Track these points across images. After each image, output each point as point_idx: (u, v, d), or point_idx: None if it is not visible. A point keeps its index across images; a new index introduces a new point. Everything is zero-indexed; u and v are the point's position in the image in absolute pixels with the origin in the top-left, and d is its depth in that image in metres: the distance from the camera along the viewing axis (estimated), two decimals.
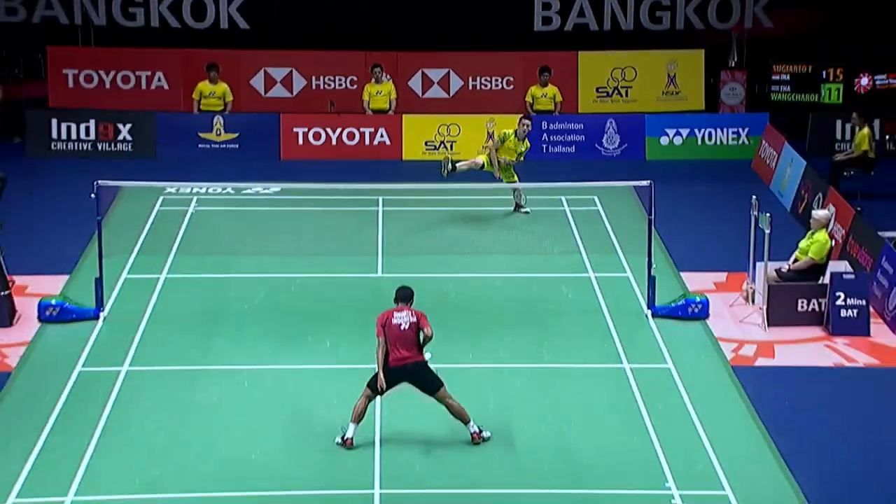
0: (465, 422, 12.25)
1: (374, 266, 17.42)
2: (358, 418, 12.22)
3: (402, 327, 12.04)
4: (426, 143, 23.35)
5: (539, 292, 16.52)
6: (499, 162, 18.92)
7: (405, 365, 12.04)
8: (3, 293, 15.20)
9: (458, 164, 19.08)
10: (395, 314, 12.12)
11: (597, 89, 24.76)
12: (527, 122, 19.16)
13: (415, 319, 12.11)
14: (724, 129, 23.52)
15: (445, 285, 16.63)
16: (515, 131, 19.00)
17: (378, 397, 12.28)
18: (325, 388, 13.56)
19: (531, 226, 19.10)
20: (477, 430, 12.26)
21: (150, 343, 14.77)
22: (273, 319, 15.49)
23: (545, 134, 23.39)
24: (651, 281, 15.66)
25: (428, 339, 12.20)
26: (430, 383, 12.14)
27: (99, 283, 15.31)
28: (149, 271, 16.87)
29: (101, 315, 15.32)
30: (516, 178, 19.11)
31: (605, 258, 17.69)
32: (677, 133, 23.42)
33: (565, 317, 15.70)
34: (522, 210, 19.29)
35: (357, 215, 19.45)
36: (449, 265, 17.39)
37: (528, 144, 19.24)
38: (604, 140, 23.42)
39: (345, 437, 12.17)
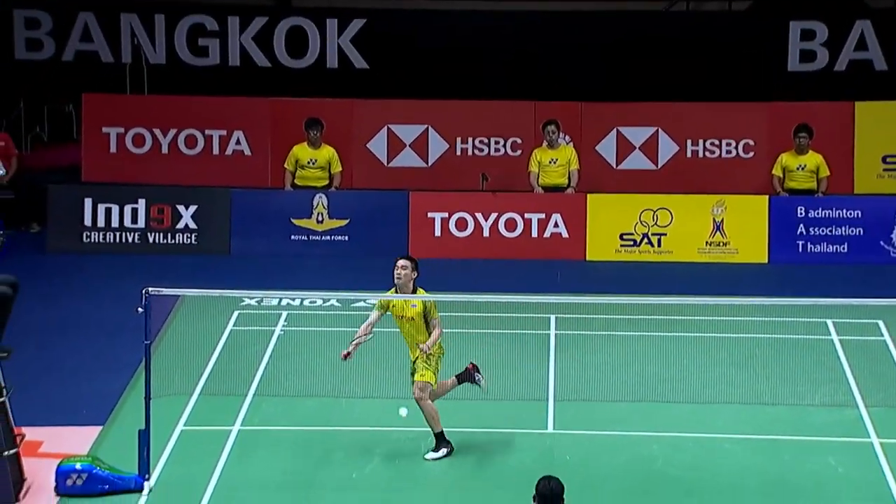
0: None
1: (542, 418, 17.33)
2: None
3: None
4: (622, 237, 23.28)
5: (793, 464, 16.17)
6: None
7: None
8: (6, 453, 15.43)
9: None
10: None
11: (884, 159, 24.43)
12: (402, 263, 16.61)
13: None
14: None
15: (648, 448, 16.45)
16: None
17: None
18: None
19: (779, 363, 18.83)
20: None
21: None
22: (394, 496, 15.43)
23: (802, 225, 23.14)
24: None
25: None
26: None
27: (145, 437, 15.46)
28: (216, 421, 17.01)
29: (147, 485, 15.44)
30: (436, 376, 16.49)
31: None
32: None
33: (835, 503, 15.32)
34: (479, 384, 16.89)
35: (519, 342, 19.42)
36: (653, 419, 17.22)
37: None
38: (894, 235, 23.04)
39: None
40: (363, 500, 15.37)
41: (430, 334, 16.20)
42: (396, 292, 16.47)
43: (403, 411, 15.43)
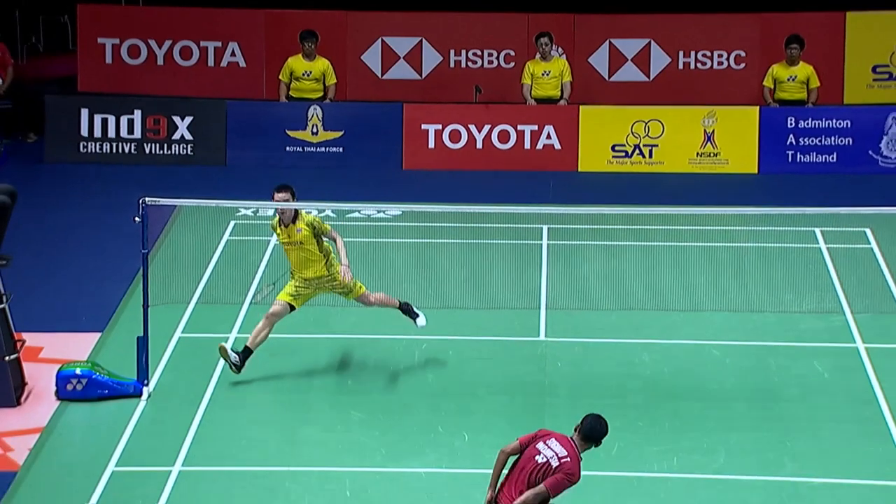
0: None
1: (534, 326, 17.43)
2: None
3: (538, 458, 11.81)
4: (614, 149, 23.31)
5: (780, 370, 16.30)
6: (303, 278, 16.01)
7: None
8: (7, 358, 15.58)
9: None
10: (551, 442, 11.82)
11: (874, 69, 24.39)
12: (280, 195, 15.90)
13: (557, 465, 11.76)
14: None
15: (638, 355, 16.60)
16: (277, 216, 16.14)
17: None
18: (461, 502, 13.56)
19: (767, 271, 18.90)
20: None
21: (213, 431, 14.97)
22: (387, 400, 15.60)
23: (792, 135, 23.14)
24: None
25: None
26: None
27: (143, 344, 15.61)
28: (213, 329, 17.13)
29: (145, 391, 15.61)
30: (359, 285, 16.30)
31: (881, 321, 17.42)
32: None
33: (820, 409, 15.46)
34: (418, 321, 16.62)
35: (512, 252, 19.51)
36: (642, 327, 17.34)
37: (313, 222, 15.98)
38: (882, 145, 23.05)
39: None
40: (358, 403, 15.52)
41: (323, 252, 15.92)
42: (280, 223, 15.97)
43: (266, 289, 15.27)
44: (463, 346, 16.85)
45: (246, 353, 15.76)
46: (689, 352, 16.78)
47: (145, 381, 15.65)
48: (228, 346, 15.89)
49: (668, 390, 15.85)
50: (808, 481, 14.06)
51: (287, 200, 15.84)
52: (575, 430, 11.81)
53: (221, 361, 16.07)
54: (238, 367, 15.70)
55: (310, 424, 15.13)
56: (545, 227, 20.16)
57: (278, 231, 16.01)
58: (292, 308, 15.88)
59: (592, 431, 11.78)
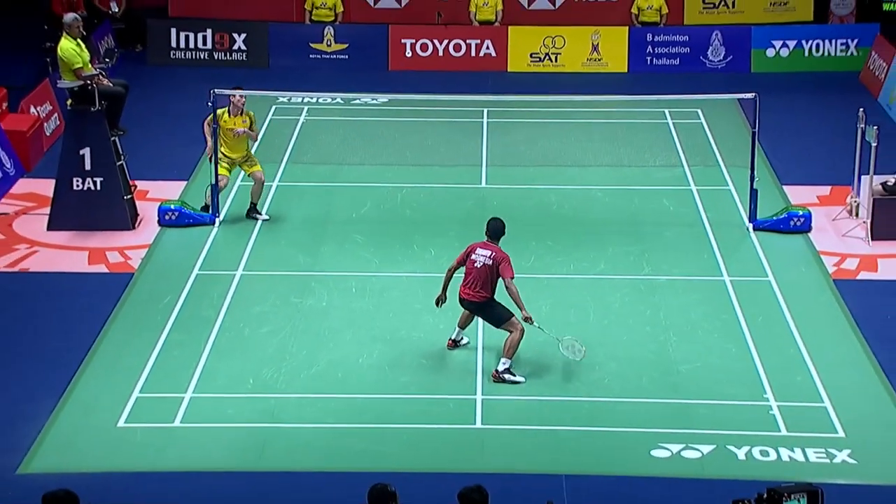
0: (503, 355, 11.71)
1: (478, 177, 17.30)
2: (463, 324, 12.26)
3: (476, 264, 11.84)
4: (531, 56, 22.96)
5: (640, 205, 16.28)
6: (228, 157, 15.30)
7: (470, 301, 11.86)
8: (126, 197, 15.43)
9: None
10: (479, 250, 11.83)
11: (703, 0, 24.00)
12: (238, 93, 15.18)
13: (491, 263, 11.77)
14: (833, 41, 22.69)
15: (548, 197, 16.51)
16: (227, 108, 15.27)
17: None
18: (430, 296, 13.53)
19: (633, 138, 18.76)
20: (503, 370, 11.67)
21: (262, 249, 14.92)
22: (379, 228, 15.52)
23: (650, 46, 22.85)
24: (753, 194, 15.30)
25: (511, 294, 11.53)
26: (492, 318, 11.84)
27: (214, 189, 15.45)
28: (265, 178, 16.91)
29: (217, 220, 15.49)
30: (258, 166, 15.54)
31: (707, 171, 17.38)
32: (784, 45, 22.66)
33: (666, 229, 15.46)
34: (260, 217, 15.47)
35: (462, 127, 19.29)
36: (551, 177, 17.23)
37: (251, 116, 15.30)
38: (709, 52, 22.78)
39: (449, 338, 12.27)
40: (360, 230, 15.40)
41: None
42: (228, 114, 15.18)
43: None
44: (429, 191, 16.74)
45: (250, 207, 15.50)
46: (581, 194, 16.73)
47: (217, 214, 15.52)
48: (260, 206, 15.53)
49: (567, 220, 15.85)
50: (658, 278, 14.14)
51: (245, 96, 15.24)
52: (486, 234, 11.86)
53: (268, 201, 15.93)
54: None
55: (327, 244, 15.08)
56: (485, 110, 19.92)
57: (227, 119, 15.22)
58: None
59: (496, 230, 11.86)
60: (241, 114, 15.46)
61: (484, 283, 11.75)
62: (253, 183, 15.69)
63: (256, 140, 15.98)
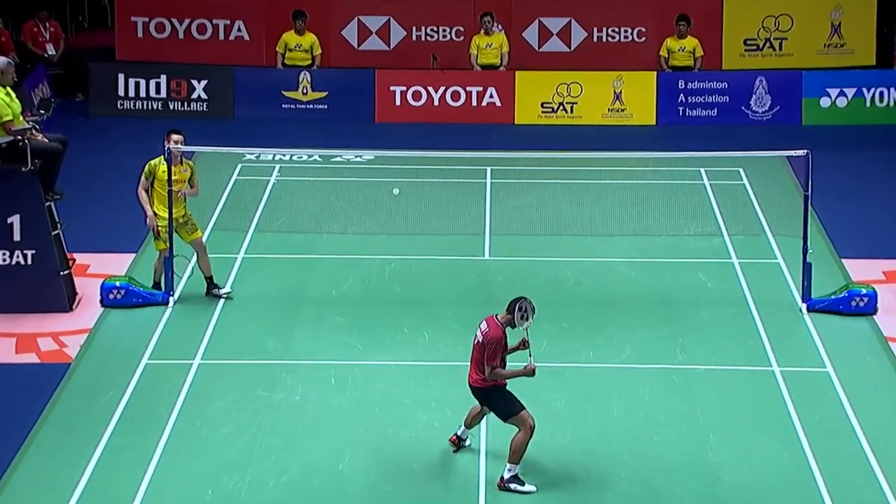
0: (508, 460, 11.66)
1: (480, 248, 17.37)
2: (469, 423, 12.21)
3: (474, 343, 11.89)
4: (543, 106, 23.20)
5: (672, 280, 16.32)
6: (162, 217, 15.27)
7: (469, 386, 11.88)
8: (62, 273, 15.46)
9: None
10: (482, 324, 11.91)
11: (745, 41, 24.37)
12: (176, 137, 15.17)
13: (481, 339, 11.79)
14: None
15: (562, 271, 16.55)
16: (164, 156, 15.19)
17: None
18: (423, 389, 13.51)
19: (663, 202, 18.89)
20: (508, 477, 11.60)
21: (224, 333, 14.90)
22: (364, 308, 15.52)
23: (682, 95, 23.12)
24: (807, 268, 15.35)
25: (498, 379, 11.62)
26: (497, 410, 11.79)
27: (169, 262, 15.48)
28: (224, 250, 16.96)
29: (171, 299, 15.50)
30: (199, 231, 15.63)
31: (751, 241, 17.44)
32: (841, 93, 22.93)
33: (703, 309, 15.48)
34: (221, 294, 15.57)
35: (462, 188, 19.41)
36: (566, 247, 17.30)
37: (191, 166, 15.48)
38: (752, 102, 23.03)
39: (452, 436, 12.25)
40: (340, 310, 15.44)
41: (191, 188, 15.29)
42: (165, 163, 15.09)
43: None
44: (422, 264, 16.80)
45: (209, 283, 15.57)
46: (602, 267, 16.79)
47: (171, 293, 15.54)
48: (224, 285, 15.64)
49: (586, 298, 15.88)
50: (693, 368, 14.13)
51: (180, 142, 15.15)
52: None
53: (232, 276, 15.97)
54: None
55: (301, 327, 15.07)
56: (488, 168, 20.09)
57: (164, 169, 15.10)
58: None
59: (509, 304, 11.86)
60: (181, 163, 15.50)
61: (477, 363, 11.79)
62: (195, 255, 15.66)
63: (195, 196, 15.90)
